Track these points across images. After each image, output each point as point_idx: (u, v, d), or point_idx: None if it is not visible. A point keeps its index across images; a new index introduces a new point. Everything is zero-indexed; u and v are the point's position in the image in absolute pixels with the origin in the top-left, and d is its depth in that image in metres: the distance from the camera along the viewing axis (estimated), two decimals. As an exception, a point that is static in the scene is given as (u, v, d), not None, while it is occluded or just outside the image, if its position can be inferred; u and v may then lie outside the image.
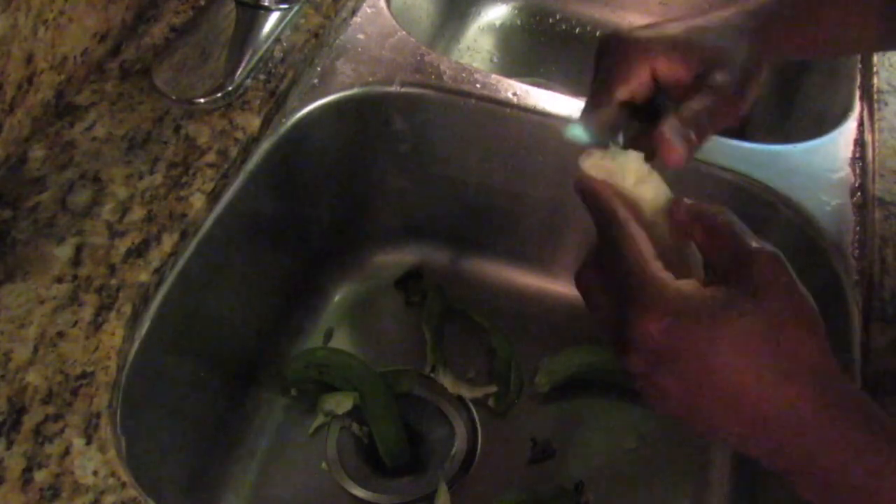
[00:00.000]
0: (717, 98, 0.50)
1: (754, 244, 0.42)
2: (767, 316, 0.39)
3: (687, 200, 0.46)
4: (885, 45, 0.67)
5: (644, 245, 0.43)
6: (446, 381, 0.83)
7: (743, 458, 0.79)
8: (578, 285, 0.46)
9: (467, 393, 0.82)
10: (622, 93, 0.52)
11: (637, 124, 0.53)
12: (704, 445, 0.81)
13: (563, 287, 0.89)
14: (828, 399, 0.40)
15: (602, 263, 0.45)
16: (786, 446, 0.40)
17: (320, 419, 0.80)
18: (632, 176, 0.47)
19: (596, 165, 0.47)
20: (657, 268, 0.42)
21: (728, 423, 0.41)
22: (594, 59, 0.54)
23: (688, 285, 0.41)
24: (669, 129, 0.47)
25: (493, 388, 0.82)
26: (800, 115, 0.99)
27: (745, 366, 0.39)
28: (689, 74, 0.51)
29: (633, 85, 0.52)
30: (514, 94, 0.79)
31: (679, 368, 0.40)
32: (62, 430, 0.53)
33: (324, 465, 0.77)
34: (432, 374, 0.83)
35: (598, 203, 0.45)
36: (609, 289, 0.44)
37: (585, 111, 0.53)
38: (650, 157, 0.48)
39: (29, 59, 0.64)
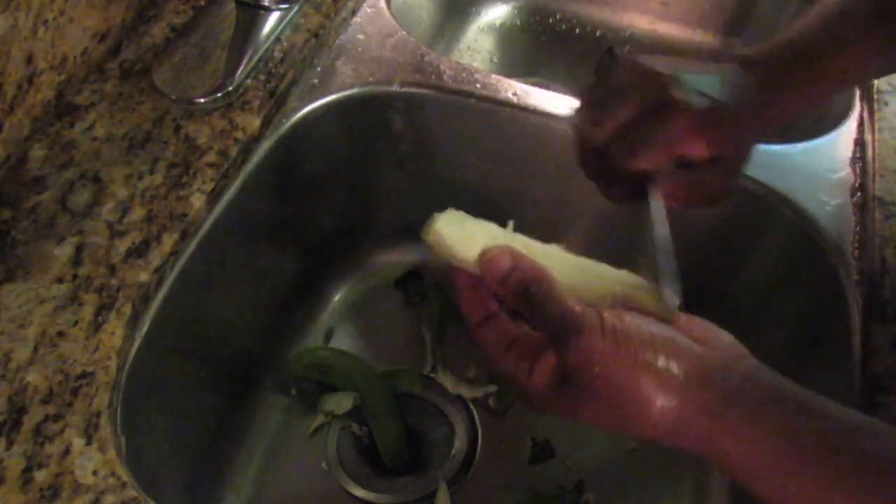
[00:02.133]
0: (709, 177, 0.56)
1: (561, 315, 0.43)
2: (594, 395, 0.42)
3: (495, 256, 0.46)
4: (880, 75, 0.73)
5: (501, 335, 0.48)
6: (446, 381, 0.83)
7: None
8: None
9: (467, 393, 0.82)
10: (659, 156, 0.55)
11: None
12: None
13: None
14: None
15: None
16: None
17: (320, 419, 0.80)
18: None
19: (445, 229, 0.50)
20: (510, 358, 0.46)
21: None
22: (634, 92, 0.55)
23: (534, 380, 0.45)
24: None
25: (493, 388, 0.82)
26: (799, 115, 0.99)
27: (605, 425, 0.43)
28: (708, 154, 0.55)
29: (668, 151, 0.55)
30: (515, 94, 0.79)
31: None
32: (62, 430, 0.53)
33: (324, 464, 0.78)
34: (432, 374, 0.84)
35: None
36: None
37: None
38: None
39: (29, 59, 0.64)
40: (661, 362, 0.41)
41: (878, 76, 0.80)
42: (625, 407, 0.41)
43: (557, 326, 0.43)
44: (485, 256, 0.46)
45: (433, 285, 0.90)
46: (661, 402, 0.41)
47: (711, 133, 0.54)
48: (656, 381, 0.41)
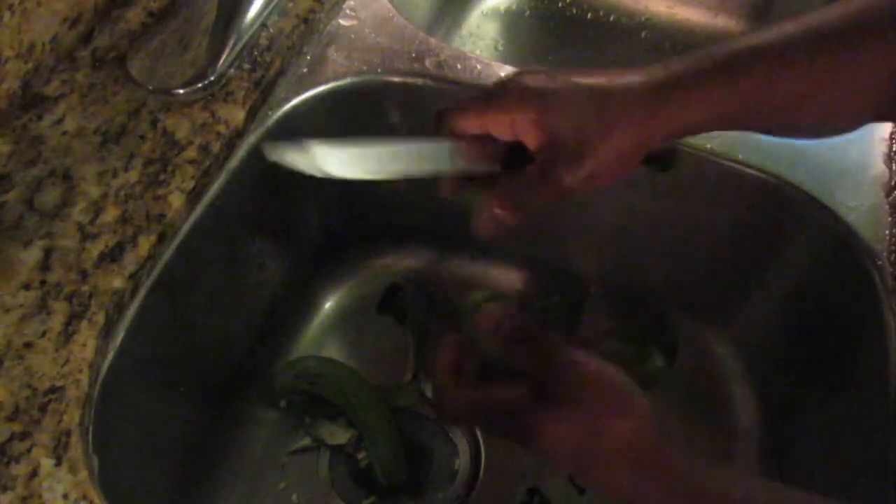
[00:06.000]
0: (539, 173, 0.55)
1: (557, 347, 0.50)
2: (573, 419, 0.48)
3: (489, 312, 0.54)
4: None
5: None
6: (428, 389, 0.83)
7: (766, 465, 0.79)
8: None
9: None
10: (472, 126, 0.57)
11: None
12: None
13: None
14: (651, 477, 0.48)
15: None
16: None
17: (307, 441, 0.80)
18: None
19: None
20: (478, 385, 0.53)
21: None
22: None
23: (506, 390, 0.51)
24: (486, 205, 0.56)
25: None
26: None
27: (567, 456, 0.49)
28: (537, 137, 0.55)
29: (489, 126, 0.57)
30: (521, 84, 0.79)
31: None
32: (29, 450, 0.53)
33: (294, 497, 0.78)
34: (414, 382, 0.84)
35: None
36: None
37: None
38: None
39: (-7, 46, 0.64)
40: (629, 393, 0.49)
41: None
42: (597, 422, 0.48)
43: (556, 349, 0.50)
44: (479, 315, 0.55)
45: (415, 290, 0.90)
46: (628, 423, 0.48)
47: (540, 112, 0.54)
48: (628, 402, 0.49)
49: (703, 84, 0.53)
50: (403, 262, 0.93)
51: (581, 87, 0.54)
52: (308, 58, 0.79)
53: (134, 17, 0.76)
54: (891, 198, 0.73)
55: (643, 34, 1.17)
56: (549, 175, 0.54)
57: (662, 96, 0.53)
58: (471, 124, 0.57)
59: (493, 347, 0.53)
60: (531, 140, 0.55)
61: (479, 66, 0.80)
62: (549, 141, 0.54)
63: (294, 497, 0.78)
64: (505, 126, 0.56)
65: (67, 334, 0.58)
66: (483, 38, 1.16)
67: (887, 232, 0.71)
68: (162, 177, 0.66)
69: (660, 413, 0.49)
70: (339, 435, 0.80)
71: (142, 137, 0.68)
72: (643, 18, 1.17)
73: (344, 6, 0.84)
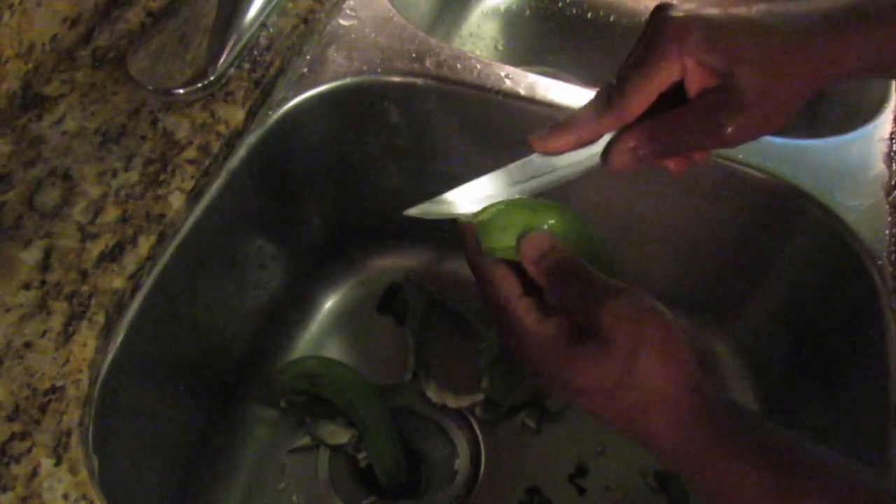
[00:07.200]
0: (700, 118, 0.49)
1: (600, 284, 0.48)
2: (614, 354, 0.45)
3: (534, 239, 0.51)
4: None
5: (510, 284, 0.50)
6: (430, 389, 0.83)
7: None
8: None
9: (453, 402, 0.83)
10: (653, 89, 0.49)
11: None
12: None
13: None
14: (688, 425, 0.46)
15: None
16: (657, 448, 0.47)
17: (307, 440, 0.80)
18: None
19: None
20: (522, 306, 0.49)
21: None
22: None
23: (547, 326, 0.48)
24: (624, 139, 0.51)
25: (479, 398, 0.83)
26: (830, 107, 0.99)
27: (600, 401, 0.47)
28: (712, 77, 0.48)
29: (665, 81, 0.49)
30: (520, 84, 0.79)
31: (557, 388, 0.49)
32: (29, 450, 0.53)
33: (294, 497, 0.78)
34: (414, 382, 0.84)
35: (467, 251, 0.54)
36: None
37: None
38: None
39: (-7, 46, 0.64)
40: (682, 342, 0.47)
41: None
42: (649, 364, 0.46)
43: (599, 287, 0.47)
44: (525, 239, 0.52)
45: (416, 290, 0.90)
46: (686, 371, 0.46)
47: (714, 47, 0.47)
48: (683, 351, 0.47)
49: (885, 15, 0.48)
50: (403, 262, 0.93)
51: (754, 21, 0.49)
52: (308, 58, 0.79)
53: (134, 16, 0.76)
54: (891, 198, 0.73)
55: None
56: (712, 121, 0.48)
57: (840, 30, 0.48)
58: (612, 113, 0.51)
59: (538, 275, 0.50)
60: (696, 83, 0.49)
61: (479, 66, 0.80)
62: (719, 85, 0.48)
63: (294, 497, 0.78)
64: (674, 73, 0.48)
65: (67, 334, 0.58)
66: (483, 38, 1.16)
67: (887, 232, 0.71)
68: (162, 177, 0.66)
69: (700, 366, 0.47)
70: (339, 435, 0.80)
71: (142, 137, 0.68)
72: (643, 18, 1.17)
73: (344, 6, 0.84)
